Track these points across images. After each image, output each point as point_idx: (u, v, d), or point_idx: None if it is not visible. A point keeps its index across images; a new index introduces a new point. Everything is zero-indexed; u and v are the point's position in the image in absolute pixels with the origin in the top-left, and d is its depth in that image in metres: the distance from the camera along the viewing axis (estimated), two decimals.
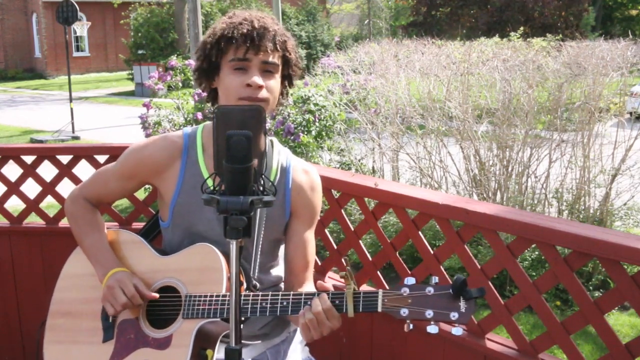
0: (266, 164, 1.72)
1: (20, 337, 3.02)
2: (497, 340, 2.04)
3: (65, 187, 2.81)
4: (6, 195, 2.98)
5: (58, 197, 2.94)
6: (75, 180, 2.90)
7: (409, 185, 5.15)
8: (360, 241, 2.40)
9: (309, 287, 1.72)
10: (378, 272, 2.36)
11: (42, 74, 31.77)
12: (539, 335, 1.94)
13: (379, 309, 1.41)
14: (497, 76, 5.34)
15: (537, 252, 4.38)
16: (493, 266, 2.00)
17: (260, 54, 1.60)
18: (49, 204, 4.34)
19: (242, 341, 1.34)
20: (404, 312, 1.40)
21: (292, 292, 1.51)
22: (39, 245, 2.94)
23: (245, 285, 1.66)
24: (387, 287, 2.27)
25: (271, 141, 1.76)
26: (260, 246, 1.72)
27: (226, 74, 1.62)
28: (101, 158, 2.81)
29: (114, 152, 2.68)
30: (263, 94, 1.60)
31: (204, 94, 1.77)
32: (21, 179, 2.94)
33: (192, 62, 6.29)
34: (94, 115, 16.93)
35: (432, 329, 1.38)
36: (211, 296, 1.54)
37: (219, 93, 1.68)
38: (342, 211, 2.45)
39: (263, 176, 1.35)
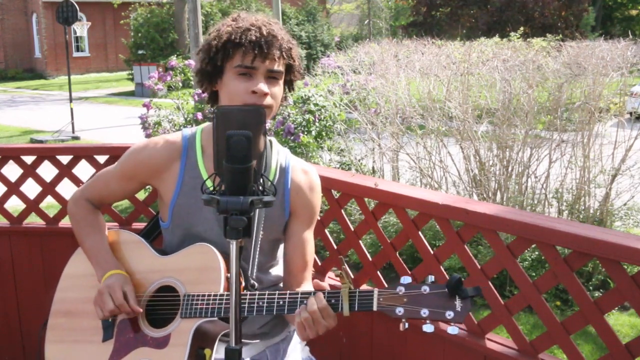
0: (265, 164, 1.72)
1: (20, 337, 3.02)
2: (497, 340, 2.04)
3: (65, 187, 2.82)
4: (6, 196, 2.98)
5: (58, 197, 2.94)
6: (75, 180, 2.90)
7: (409, 185, 5.15)
8: (360, 241, 2.40)
9: (307, 287, 1.72)
10: (378, 272, 2.36)
11: (42, 74, 31.78)
12: (539, 335, 1.94)
13: (375, 308, 1.42)
14: (497, 76, 5.35)
15: (537, 252, 4.38)
16: (493, 266, 2.00)
17: (266, 62, 1.59)
18: (49, 204, 4.33)
19: (242, 340, 1.34)
20: (400, 311, 1.40)
21: (288, 292, 1.51)
22: (39, 245, 2.94)
23: (243, 284, 1.66)
24: (386, 286, 2.28)
25: (270, 141, 1.77)
26: (259, 246, 1.72)
27: (230, 78, 1.61)
28: (101, 158, 2.81)
29: (114, 152, 2.68)
30: (267, 101, 1.61)
31: (204, 95, 1.77)
32: (21, 179, 2.94)
33: (192, 62, 6.30)
34: (94, 115, 16.94)
35: (427, 327, 1.38)
36: (209, 296, 1.54)
37: (220, 96, 1.67)
38: (342, 211, 2.45)
39: (263, 176, 1.35)
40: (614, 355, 1.74)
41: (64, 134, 13.20)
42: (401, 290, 1.41)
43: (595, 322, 1.76)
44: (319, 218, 2.42)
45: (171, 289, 1.64)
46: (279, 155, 1.77)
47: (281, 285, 1.84)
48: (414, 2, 28.18)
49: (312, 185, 1.79)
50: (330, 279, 2.53)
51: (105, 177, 1.82)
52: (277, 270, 1.84)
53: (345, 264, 1.44)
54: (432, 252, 2.15)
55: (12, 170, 2.92)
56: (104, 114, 17.37)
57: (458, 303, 1.37)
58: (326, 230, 2.53)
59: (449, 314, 1.36)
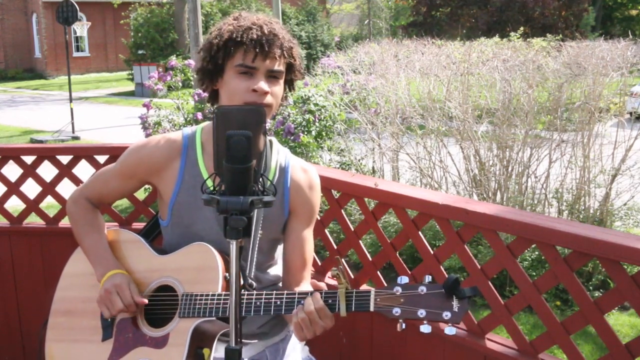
0: (265, 163, 1.72)
1: (20, 337, 3.02)
2: (497, 340, 2.04)
3: (65, 187, 2.81)
4: (6, 195, 2.98)
5: (58, 197, 2.94)
6: (75, 180, 2.90)
7: (409, 185, 5.15)
8: (360, 241, 2.40)
9: (306, 286, 1.72)
10: (378, 272, 2.36)
11: (42, 74, 31.78)
12: (539, 335, 1.94)
13: (371, 309, 1.41)
14: (497, 76, 5.35)
15: (537, 252, 4.38)
16: (493, 266, 2.00)
17: (267, 61, 1.60)
18: (49, 204, 4.33)
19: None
20: (396, 311, 1.39)
21: (286, 292, 1.51)
22: (39, 245, 2.94)
23: (241, 283, 1.66)
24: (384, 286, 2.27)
25: (270, 141, 1.77)
26: (257, 245, 1.72)
27: (231, 77, 1.61)
28: (101, 158, 2.81)
29: (114, 152, 2.68)
30: (268, 99, 1.61)
31: (204, 94, 1.77)
32: (21, 179, 2.94)
33: (192, 62, 6.30)
34: (94, 115, 16.94)
35: (425, 328, 1.38)
36: (207, 295, 1.54)
37: (220, 94, 1.68)
38: (342, 211, 2.45)
39: (263, 176, 1.35)
40: (614, 355, 1.74)
41: (64, 134, 13.20)
42: (398, 290, 1.41)
43: (595, 322, 1.76)
44: (318, 218, 2.42)
45: (170, 288, 1.64)
46: (278, 154, 1.77)
47: (280, 285, 1.84)
48: (414, 2, 28.18)
49: (311, 184, 1.79)
50: (330, 279, 2.53)
51: (104, 176, 1.82)
52: (276, 270, 1.84)
53: (343, 264, 1.43)
54: (432, 252, 2.15)
55: (12, 170, 2.92)
56: (104, 114, 17.37)
57: (455, 303, 1.37)
58: (326, 230, 2.53)
59: (446, 315, 1.36)
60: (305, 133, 5.35)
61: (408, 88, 5.89)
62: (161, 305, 1.65)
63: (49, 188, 2.94)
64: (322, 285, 1.51)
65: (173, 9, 24.62)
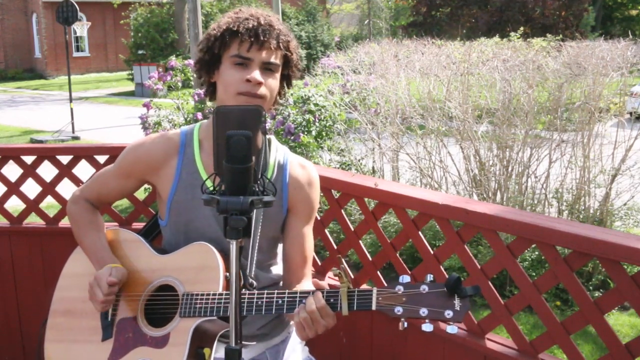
0: (263, 161, 1.72)
1: (20, 337, 3.02)
2: (497, 340, 2.04)
3: (65, 187, 2.82)
4: (6, 195, 2.98)
5: (58, 197, 2.94)
6: (75, 180, 2.90)
7: (409, 185, 5.15)
8: (360, 241, 2.40)
9: (307, 283, 1.72)
10: (378, 272, 2.36)
11: (42, 74, 31.78)
12: (539, 335, 1.94)
13: (373, 307, 1.41)
14: (497, 76, 5.35)
15: (537, 252, 4.38)
16: (493, 266, 2.00)
17: (263, 52, 1.60)
18: (49, 204, 4.33)
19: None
20: (398, 310, 1.39)
21: (287, 291, 1.51)
22: (39, 245, 2.94)
23: (242, 283, 1.66)
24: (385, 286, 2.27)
25: (269, 139, 1.77)
26: (257, 244, 1.72)
27: (227, 68, 1.62)
28: (101, 158, 2.81)
29: (114, 152, 2.68)
30: (262, 90, 1.61)
31: (204, 94, 1.77)
32: (21, 179, 2.94)
33: (192, 62, 6.30)
34: (94, 115, 16.93)
35: (426, 327, 1.38)
36: (208, 295, 1.54)
37: (217, 87, 1.68)
38: (342, 211, 2.45)
39: (263, 176, 1.35)
40: (614, 355, 1.74)
41: (64, 134, 13.20)
42: (400, 289, 1.41)
43: (595, 322, 1.76)
44: (318, 218, 2.42)
45: (170, 288, 1.64)
46: (277, 152, 1.77)
47: (281, 283, 1.84)
48: (414, 2, 28.17)
49: (310, 180, 1.78)
50: (330, 279, 2.53)
51: (103, 176, 1.83)
52: (277, 269, 1.84)
53: (344, 263, 1.43)
54: (432, 252, 2.15)
55: (12, 170, 2.92)
56: (104, 114, 17.37)
57: (457, 302, 1.37)
58: (326, 230, 2.52)
59: (448, 313, 1.36)
60: (305, 133, 5.35)
61: (408, 88, 5.89)
62: (162, 305, 1.65)
63: (49, 188, 2.94)
64: (324, 284, 1.50)
65: (173, 9, 24.62)
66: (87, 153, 2.87)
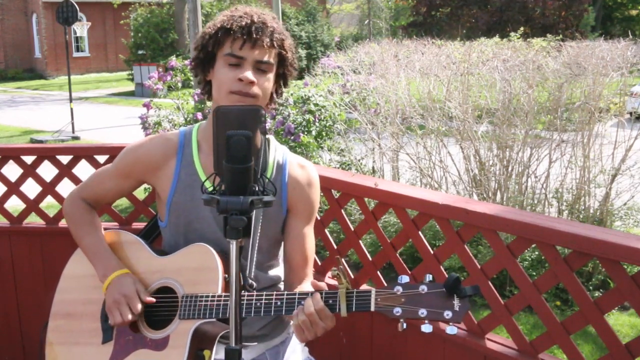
0: (262, 161, 1.71)
1: (20, 337, 3.02)
2: (497, 340, 2.04)
3: (65, 187, 2.81)
4: (6, 195, 2.98)
5: (58, 197, 2.94)
6: (75, 180, 2.90)
7: (409, 185, 5.15)
8: (360, 241, 2.40)
9: (308, 284, 1.71)
10: (378, 272, 2.36)
11: (42, 74, 31.77)
12: (539, 335, 1.94)
13: (372, 309, 1.41)
14: (497, 76, 5.34)
15: (537, 252, 4.38)
16: (493, 266, 2.00)
17: (255, 50, 1.59)
18: (49, 204, 4.33)
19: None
20: (397, 311, 1.39)
21: (286, 292, 1.51)
22: (39, 245, 2.94)
23: (241, 284, 1.65)
24: (385, 286, 2.27)
25: (268, 139, 1.76)
26: (257, 245, 1.71)
27: (220, 66, 1.62)
28: (101, 158, 2.81)
29: (114, 152, 2.67)
30: (254, 90, 1.61)
31: (201, 94, 1.77)
32: (21, 179, 2.94)
33: None
34: (94, 115, 16.93)
35: (426, 327, 1.37)
36: (207, 296, 1.54)
37: (212, 86, 1.68)
38: (342, 211, 2.45)
39: (263, 176, 1.35)
40: (614, 355, 1.74)
41: (64, 134, 13.19)
42: (399, 290, 1.40)
43: (595, 322, 1.76)
44: (318, 217, 2.42)
45: (170, 290, 1.63)
46: (276, 152, 1.77)
47: (280, 285, 1.84)
48: (414, 2, 28.17)
49: (310, 180, 1.78)
50: (330, 279, 2.53)
51: (101, 176, 1.82)
52: (277, 270, 1.84)
53: (344, 264, 1.43)
54: (432, 252, 2.15)
55: (12, 170, 2.92)
56: (104, 114, 17.37)
57: (456, 303, 1.36)
58: (326, 230, 2.53)
59: (447, 314, 1.35)
60: (305, 133, 5.35)
61: (408, 88, 5.89)
62: (161, 307, 1.64)
63: (49, 188, 2.94)
64: (323, 285, 1.50)
65: (173, 9, 24.62)
66: (87, 153, 2.87)
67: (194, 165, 1.70)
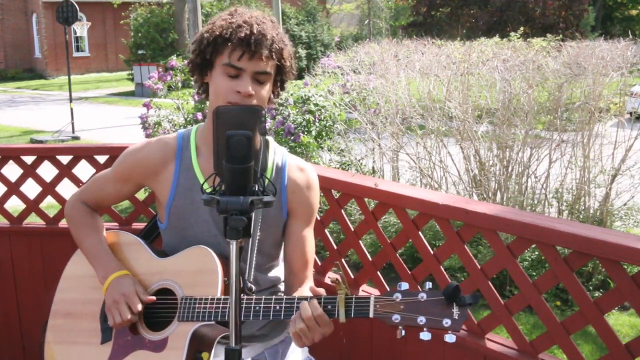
0: (261, 163, 1.71)
1: (20, 337, 3.02)
2: (497, 340, 2.04)
3: (65, 188, 2.82)
4: (6, 196, 2.98)
5: (58, 198, 2.94)
6: (76, 180, 2.90)
7: (409, 185, 5.15)
8: (360, 241, 2.40)
9: (308, 287, 1.71)
10: (378, 272, 2.36)
11: (42, 74, 31.77)
12: (539, 335, 1.94)
13: (371, 315, 1.40)
14: (497, 76, 5.34)
15: (537, 252, 4.38)
16: (493, 266, 2.00)
17: (254, 61, 1.58)
18: (49, 204, 4.33)
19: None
20: (396, 318, 1.38)
21: (285, 297, 1.51)
22: (39, 245, 2.94)
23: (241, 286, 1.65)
24: (387, 287, 2.27)
25: (266, 140, 1.76)
26: (256, 247, 1.71)
27: (218, 74, 1.60)
28: (101, 158, 2.81)
29: (114, 152, 2.68)
30: (252, 101, 1.59)
31: (198, 94, 1.77)
32: (21, 179, 2.94)
33: None
34: (94, 115, 16.93)
35: (424, 335, 1.37)
36: (207, 299, 1.54)
37: (209, 90, 1.67)
38: (342, 211, 2.45)
39: (263, 176, 1.35)
40: (614, 355, 1.74)
41: (64, 134, 13.19)
42: (398, 297, 1.40)
43: (595, 322, 1.76)
44: (318, 218, 2.42)
45: (169, 291, 1.63)
46: (275, 154, 1.76)
47: (280, 286, 1.84)
48: (414, 2, 28.17)
49: (309, 183, 1.77)
50: (329, 279, 2.53)
51: (101, 180, 1.83)
52: (277, 271, 1.84)
53: (346, 266, 1.43)
54: (432, 252, 2.15)
55: (12, 170, 2.92)
56: (104, 114, 17.37)
57: (455, 311, 1.35)
58: (326, 230, 2.52)
59: (446, 322, 1.35)
60: (305, 133, 5.35)
61: (408, 88, 5.89)
62: (160, 309, 1.64)
63: (49, 188, 2.94)
64: (322, 291, 1.50)
65: (173, 9, 24.61)
66: (87, 153, 2.87)
67: (193, 169, 1.70)
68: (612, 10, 34.28)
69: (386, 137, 5.90)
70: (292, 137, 5.28)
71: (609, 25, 31.46)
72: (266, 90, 1.64)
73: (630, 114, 6.39)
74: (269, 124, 5.30)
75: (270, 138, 1.80)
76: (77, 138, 13.19)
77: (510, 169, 5.08)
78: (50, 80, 30.57)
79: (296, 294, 1.66)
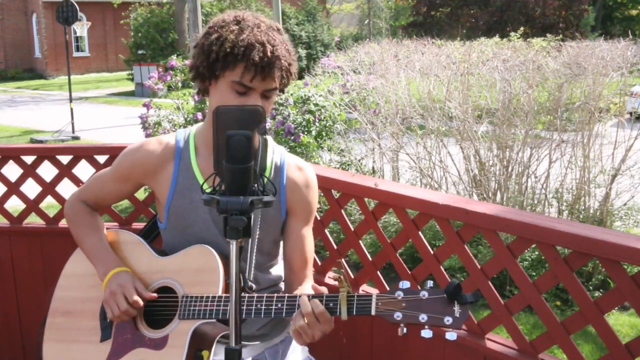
0: (260, 162, 1.71)
1: (20, 337, 3.02)
2: (497, 340, 2.04)
3: (65, 188, 2.82)
4: (6, 195, 2.98)
5: (58, 197, 2.95)
6: (76, 180, 2.91)
7: (409, 185, 5.15)
8: (360, 241, 2.40)
9: (308, 284, 1.72)
10: (378, 272, 2.36)
11: (42, 74, 31.77)
12: (539, 335, 1.94)
13: (373, 313, 1.41)
14: (497, 76, 5.35)
15: (537, 252, 4.38)
16: (493, 266, 2.00)
17: (265, 82, 1.56)
18: (49, 204, 4.33)
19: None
20: (398, 315, 1.39)
21: (286, 295, 1.51)
22: (39, 245, 2.94)
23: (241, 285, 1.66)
24: (387, 287, 2.27)
25: (265, 139, 1.76)
26: (255, 246, 1.71)
27: (225, 89, 1.58)
28: (101, 158, 2.81)
29: (114, 152, 2.68)
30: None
31: (197, 94, 1.76)
32: (21, 179, 2.94)
33: None
34: (94, 115, 16.93)
35: (426, 333, 1.37)
36: (207, 297, 1.54)
37: (210, 94, 1.65)
38: (342, 211, 2.45)
39: (263, 176, 1.35)
40: (614, 355, 1.74)
41: (64, 134, 13.19)
42: (400, 295, 1.41)
43: (595, 322, 1.77)
44: (318, 218, 2.42)
45: (170, 290, 1.64)
46: (274, 153, 1.76)
47: (280, 285, 1.84)
48: (414, 2, 28.17)
49: (307, 182, 1.78)
50: (330, 279, 2.53)
51: (100, 180, 1.83)
52: (277, 270, 1.84)
53: (345, 265, 1.43)
54: (432, 252, 2.15)
55: (12, 170, 2.92)
56: (104, 114, 17.37)
57: (457, 309, 1.36)
58: (326, 230, 2.53)
59: (448, 320, 1.36)
60: (305, 133, 5.35)
61: (408, 88, 5.89)
62: (161, 307, 1.65)
63: (49, 188, 2.94)
64: (324, 289, 1.51)
65: (173, 9, 24.61)
66: (87, 153, 2.88)
67: (192, 169, 1.70)
68: (612, 10, 34.29)
69: (386, 137, 5.90)
70: (292, 137, 5.28)
71: (609, 25, 31.47)
72: (271, 102, 1.65)
73: (630, 114, 6.39)
74: (269, 124, 5.30)
75: (268, 137, 1.80)
76: (77, 138, 13.19)
77: (510, 169, 5.08)
78: (50, 80, 30.57)
79: (297, 292, 1.66)
